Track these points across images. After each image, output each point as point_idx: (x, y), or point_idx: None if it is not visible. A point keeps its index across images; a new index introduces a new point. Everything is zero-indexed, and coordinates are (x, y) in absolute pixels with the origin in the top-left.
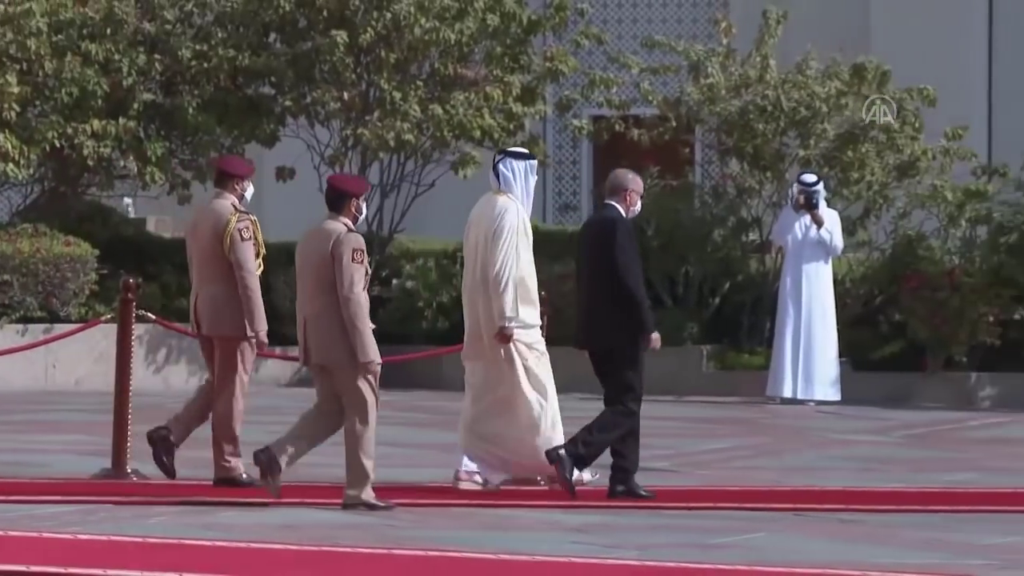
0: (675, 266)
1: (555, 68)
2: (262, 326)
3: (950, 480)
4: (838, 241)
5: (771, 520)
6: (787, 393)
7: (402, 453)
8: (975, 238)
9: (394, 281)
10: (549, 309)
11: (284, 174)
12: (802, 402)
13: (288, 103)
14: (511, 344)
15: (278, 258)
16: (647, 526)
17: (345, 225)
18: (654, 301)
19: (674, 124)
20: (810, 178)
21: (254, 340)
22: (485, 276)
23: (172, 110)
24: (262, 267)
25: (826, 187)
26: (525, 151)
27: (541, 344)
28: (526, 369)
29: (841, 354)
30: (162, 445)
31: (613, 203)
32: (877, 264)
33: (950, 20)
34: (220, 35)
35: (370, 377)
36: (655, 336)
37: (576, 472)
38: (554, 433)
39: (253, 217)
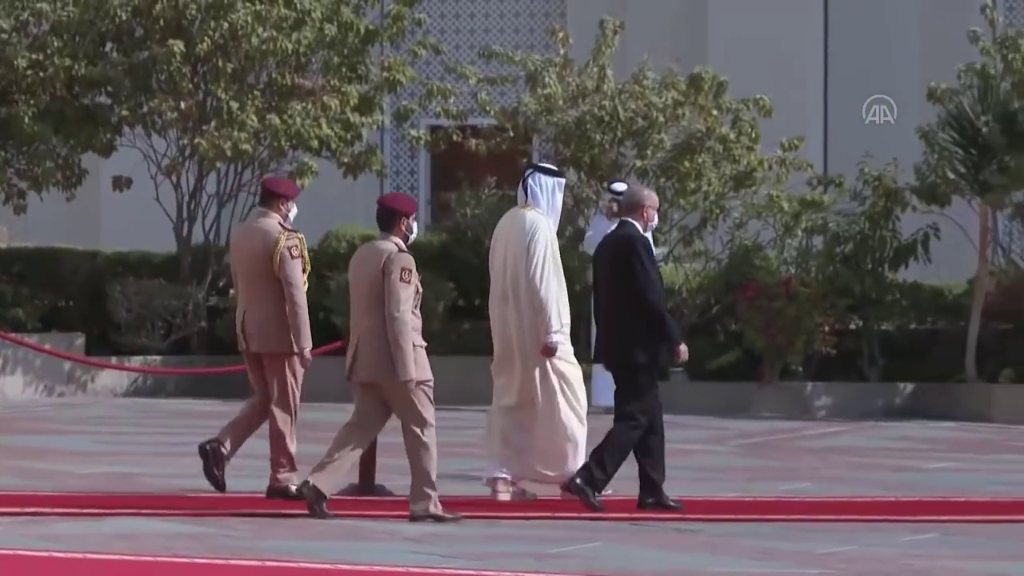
0: None
1: (393, 78)
2: (307, 343)
3: (787, 489)
4: (655, 249)
5: (608, 530)
6: (608, 403)
7: (243, 464)
8: (811, 248)
9: (231, 291)
10: None
11: (121, 184)
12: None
13: (125, 112)
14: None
15: (114, 268)
16: (486, 536)
17: (396, 244)
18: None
19: (511, 134)
20: (620, 187)
21: (299, 356)
22: (516, 290)
23: (8, 119)
24: (307, 284)
25: (663, 197)
26: (555, 168)
27: (571, 354)
28: (564, 381)
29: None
30: (213, 458)
31: (631, 220)
32: (713, 274)
33: (786, 31)
34: (56, 44)
35: (422, 392)
36: (683, 348)
37: (586, 488)
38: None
39: (301, 235)
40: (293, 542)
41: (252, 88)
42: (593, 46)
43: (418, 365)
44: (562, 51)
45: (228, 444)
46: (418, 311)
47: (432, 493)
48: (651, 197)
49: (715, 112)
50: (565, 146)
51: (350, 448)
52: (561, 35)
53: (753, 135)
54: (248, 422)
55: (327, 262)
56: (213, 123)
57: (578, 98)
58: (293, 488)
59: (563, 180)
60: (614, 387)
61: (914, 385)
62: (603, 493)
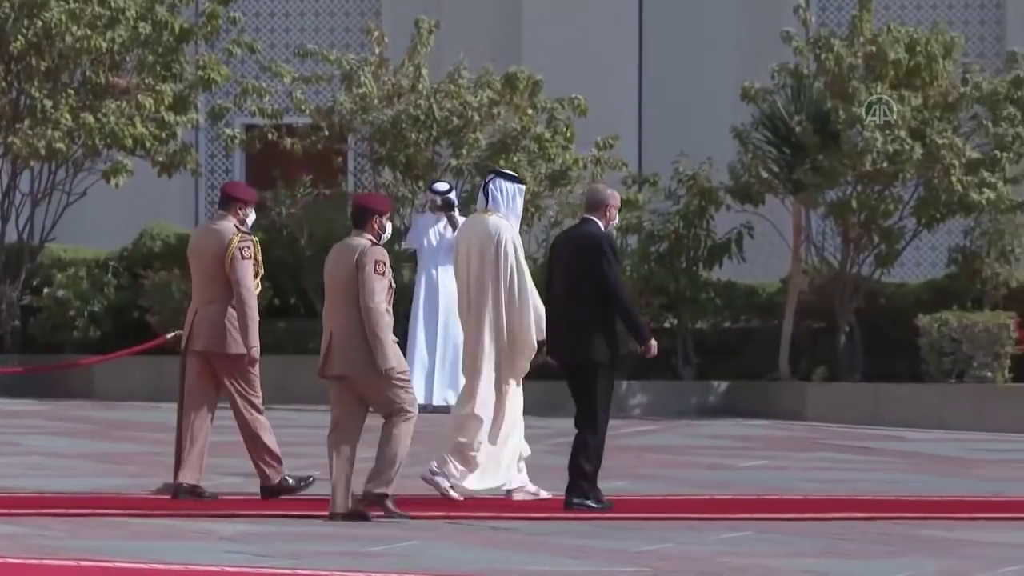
0: None
1: (208, 77)
2: (255, 342)
3: (602, 487)
4: None
5: (425, 528)
6: (422, 400)
7: (57, 463)
8: (626, 247)
9: (45, 290)
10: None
11: None
12: (443, 408)
13: None
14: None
15: None
16: (302, 535)
17: (369, 240)
18: (307, 311)
19: (327, 133)
20: (442, 187)
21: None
22: (481, 295)
23: None
24: (259, 287)
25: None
26: (515, 174)
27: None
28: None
29: None
30: (188, 492)
31: (593, 218)
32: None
33: (601, 31)
34: None
35: (398, 382)
36: (654, 343)
37: (581, 500)
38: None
39: (255, 239)
40: (108, 542)
41: (66, 87)
42: (408, 45)
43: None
44: (377, 50)
45: (198, 470)
46: (390, 308)
47: (391, 483)
48: (614, 196)
49: (530, 111)
50: (380, 145)
51: (347, 449)
52: (376, 34)
53: (568, 134)
54: (201, 432)
55: (141, 261)
56: (27, 122)
57: (393, 97)
58: (290, 480)
59: (523, 186)
60: (448, 386)
61: (728, 383)
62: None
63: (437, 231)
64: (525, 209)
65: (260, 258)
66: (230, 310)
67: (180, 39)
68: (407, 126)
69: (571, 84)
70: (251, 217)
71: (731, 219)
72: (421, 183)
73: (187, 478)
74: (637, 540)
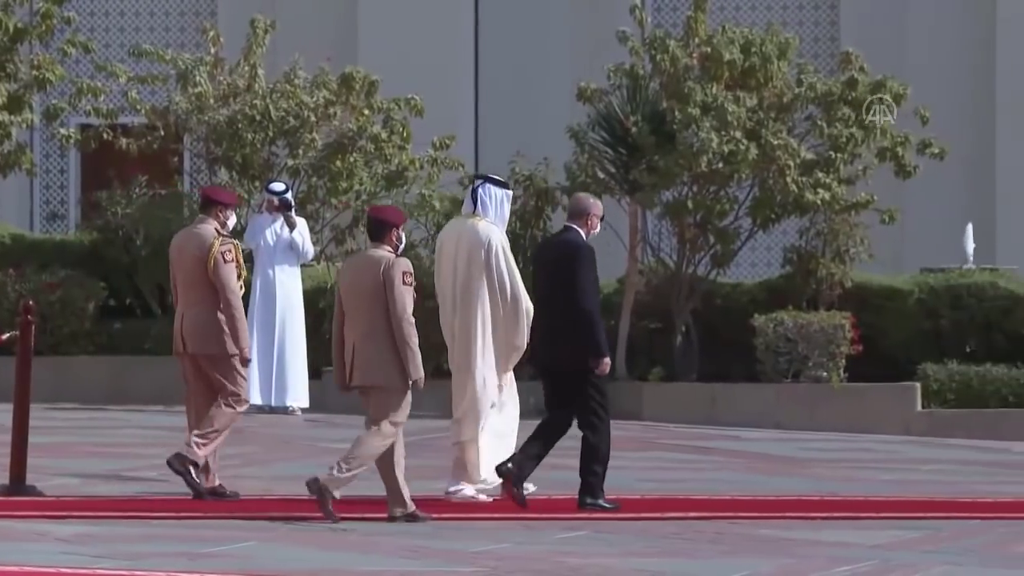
0: (165, 275)
1: (42, 77)
2: (246, 343)
3: (441, 488)
4: (309, 246)
5: (261, 529)
6: (256, 400)
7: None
8: None
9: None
10: (36, 318)
11: None
12: (280, 409)
13: None
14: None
15: None
16: (137, 536)
17: (389, 252)
18: (143, 311)
19: (163, 133)
20: (279, 187)
21: (237, 357)
22: (467, 298)
23: None
24: (243, 289)
25: (315, 196)
26: (503, 180)
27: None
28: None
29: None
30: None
31: (575, 226)
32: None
33: (437, 32)
34: None
35: (405, 397)
36: (606, 360)
37: (595, 499)
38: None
39: (235, 242)
40: None
41: None
42: (244, 45)
43: (403, 374)
44: (213, 50)
45: (210, 471)
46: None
47: (341, 484)
48: (596, 206)
49: (367, 112)
50: (217, 145)
51: (389, 460)
52: (212, 34)
53: (404, 134)
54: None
55: None
56: None
57: (229, 97)
58: (193, 471)
59: (511, 192)
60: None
61: None
62: (527, 491)
63: (274, 231)
64: (361, 209)
65: (242, 260)
66: (214, 311)
67: (14, 39)
68: (243, 126)
69: (407, 84)
70: (232, 220)
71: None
72: (257, 183)
73: (192, 454)
74: (474, 540)
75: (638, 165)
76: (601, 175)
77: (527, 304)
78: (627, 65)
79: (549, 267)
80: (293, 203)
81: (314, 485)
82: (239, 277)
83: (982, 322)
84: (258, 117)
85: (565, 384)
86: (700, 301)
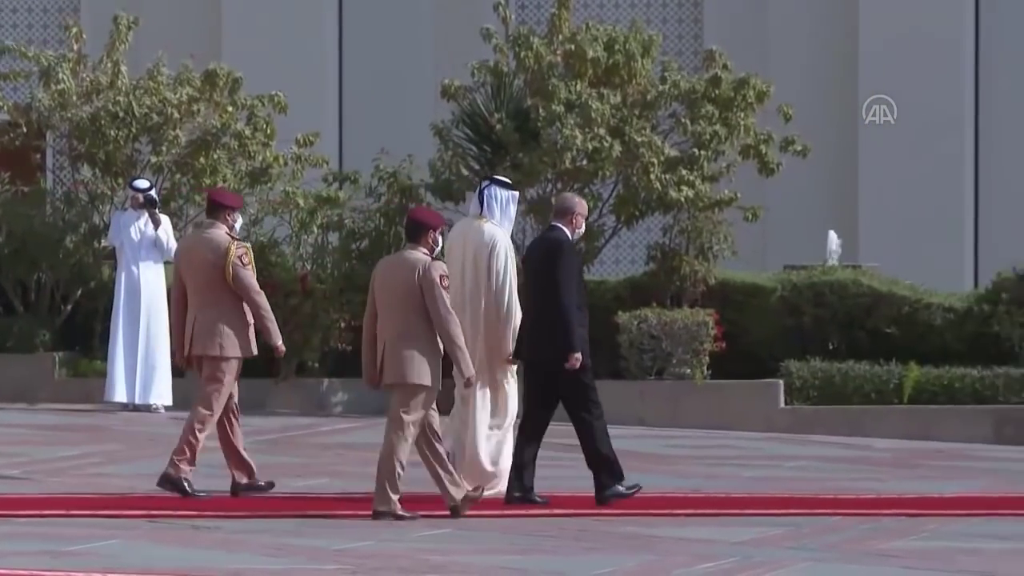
0: (27, 272)
1: None
2: (279, 339)
3: (304, 485)
4: (173, 244)
5: (126, 527)
6: (120, 398)
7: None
8: (327, 244)
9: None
10: None
11: None
12: (144, 407)
13: None
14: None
15: None
16: (1, 534)
17: (425, 254)
18: (5, 308)
19: (24, 130)
20: (143, 184)
21: (239, 361)
22: (476, 300)
23: None
24: None
25: (179, 193)
26: (509, 181)
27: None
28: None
29: None
30: (248, 488)
31: (560, 225)
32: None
33: (301, 28)
34: None
35: (428, 397)
36: (577, 355)
37: (619, 488)
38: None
39: (248, 244)
40: None
41: None
42: (107, 42)
43: (432, 374)
44: (76, 47)
45: (240, 473)
46: None
47: (395, 491)
48: (581, 205)
49: (230, 108)
50: (80, 142)
51: (433, 456)
52: (75, 30)
53: (268, 131)
54: (227, 435)
55: None
56: None
57: (92, 94)
58: (186, 484)
59: (517, 194)
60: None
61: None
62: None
63: (138, 228)
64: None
65: (254, 261)
66: (227, 315)
67: None
68: (106, 123)
69: (271, 81)
70: (239, 222)
71: None
72: (121, 180)
73: (240, 478)
74: (338, 538)
75: (502, 162)
76: (465, 172)
77: (517, 310)
78: (491, 62)
79: (535, 264)
80: (157, 200)
81: (382, 515)
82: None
83: (844, 319)
84: (121, 114)
85: (549, 379)
86: None
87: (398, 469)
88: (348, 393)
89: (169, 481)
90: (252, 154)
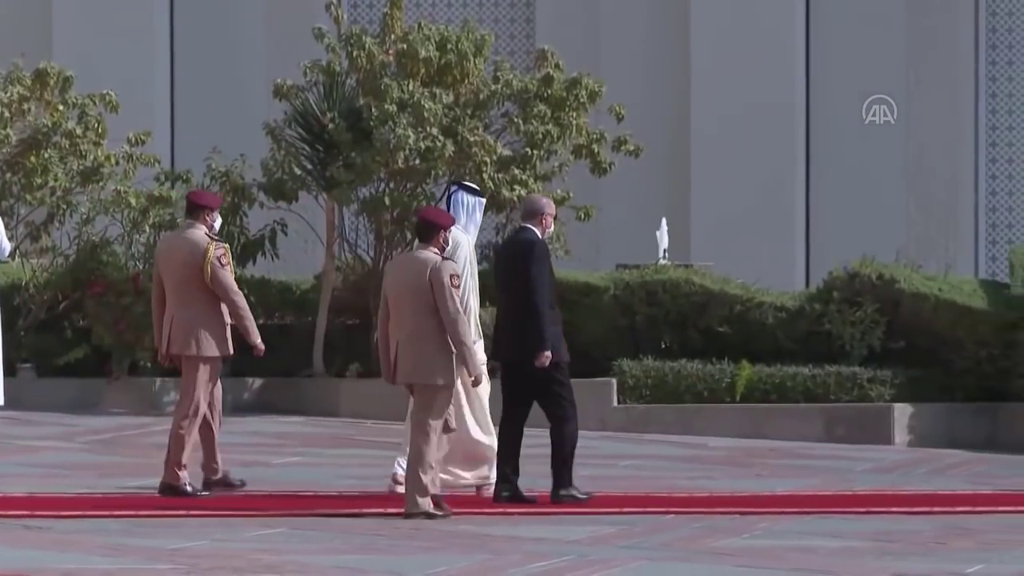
0: None
1: None
2: (258, 339)
3: (138, 485)
4: (6, 244)
5: None
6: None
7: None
8: (153, 244)
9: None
10: None
11: None
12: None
13: None
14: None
15: None
16: None
17: (436, 254)
18: None
19: None
20: None
21: (219, 360)
22: None
23: None
24: None
25: (10, 193)
26: (476, 187)
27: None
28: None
29: (26, 360)
30: (217, 484)
31: (530, 226)
32: (61, 270)
33: (132, 27)
34: None
35: (447, 395)
36: (547, 353)
37: (568, 490)
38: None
39: (226, 245)
40: None
41: None
42: None
43: (446, 372)
44: None
45: (214, 463)
46: None
47: (422, 492)
48: (549, 205)
49: (61, 107)
50: None
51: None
52: None
53: (100, 130)
54: (206, 432)
55: None
56: None
57: None
58: (187, 487)
59: (483, 200)
60: None
61: (263, 380)
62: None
63: None
64: (56, 205)
65: (232, 261)
66: (204, 314)
67: None
68: None
69: (102, 80)
70: (218, 221)
71: (265, 216)
72: None
73: (211, 475)
74: (172, 538)
75: (335, 162)
76: (298, 172)
77: (473, 310)
78: (324, 62)
79: (507, 263)
80: None
81: (413, 516)
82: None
83: (677, 318)
84: None
85: (525, 378)
86: None
87: (428, 471)
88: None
89: (169, 488)
90: (83, 153)
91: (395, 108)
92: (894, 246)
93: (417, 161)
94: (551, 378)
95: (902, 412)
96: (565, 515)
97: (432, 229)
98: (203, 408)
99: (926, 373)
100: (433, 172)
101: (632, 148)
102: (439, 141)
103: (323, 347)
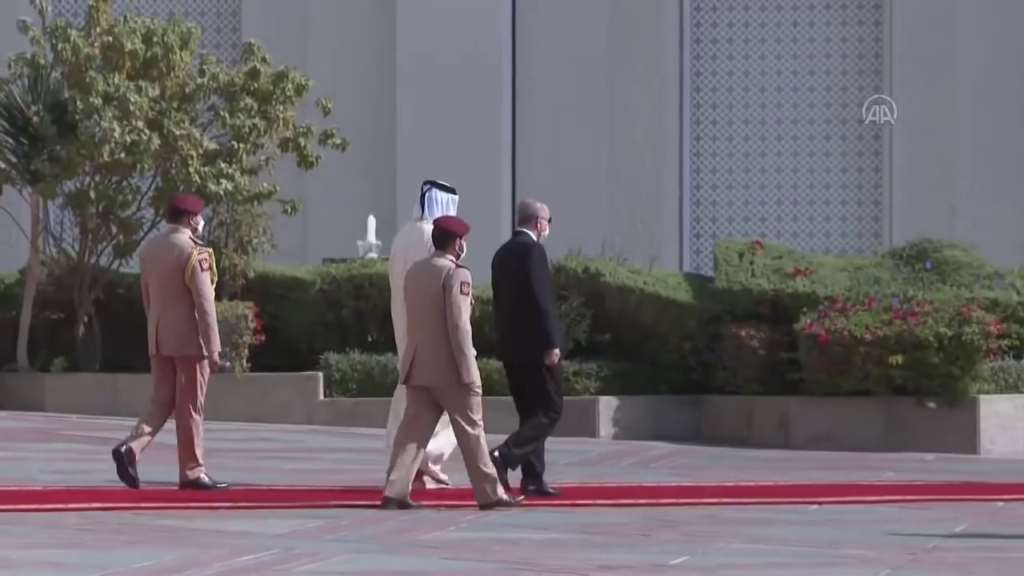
0: None
1: None
2: (217, 347)
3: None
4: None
5: None
6: None
7: None
8: None
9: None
10: None
11: None
12: None
13: None
14: None
15: None
16: None
17: (451, 261)
18: None
19: None
20: None
21: (207, 360)
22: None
23: None
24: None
25: None
26: (450, 185)
27: None
28: None
29: None
30: (127, 458)
31: (526, 230)
32: None
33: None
34: None
35: (474, 394)
36: (556, 351)
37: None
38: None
39: (210, 250)
40: None
41: None
42: None
43: (471, 371)
44: None
45: (136, 444)
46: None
47: (490, 483)
48: (544, 209)
49: None
50: None
51: (414, 445)
52: None
53: None
54: (154, 423)
55: None
56: None
57: None
58: (205, 479)
59: (457, 197)
60: None
61: None
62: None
63: None
64: None
65: (215, 267)
66: (189, 315)
67: None
68: None
69: None
70: (201, 225)
71: None
72: None
73: (189, 474)
74: None
75: (39, 155)
76: (2, 165)
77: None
78: (28, 54)
79: (507, 267)
80: None
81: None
82: (212, 282)
83: (383, 312)
84: None
85: (526, 377)
86: (103, 291)
87: (488, 465)
88: None
89: (191, 485)
90: None
91: (101, 101)
92: (600, 239)
93: (123, 155)
94: (545, 377)
95: (607, 405)
96: (271, 508)
97: (448, 237)
98: (203, 404)
99: (632, 366)
100: (139, 166)
101: (339, 142)
102: (145, 134)
103: (27, 341)
